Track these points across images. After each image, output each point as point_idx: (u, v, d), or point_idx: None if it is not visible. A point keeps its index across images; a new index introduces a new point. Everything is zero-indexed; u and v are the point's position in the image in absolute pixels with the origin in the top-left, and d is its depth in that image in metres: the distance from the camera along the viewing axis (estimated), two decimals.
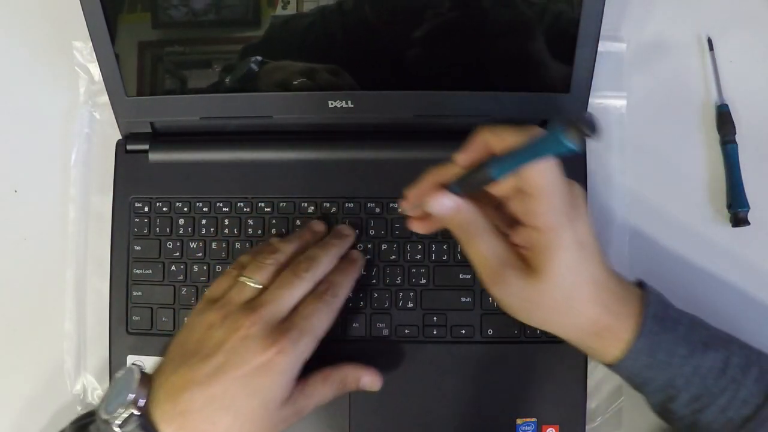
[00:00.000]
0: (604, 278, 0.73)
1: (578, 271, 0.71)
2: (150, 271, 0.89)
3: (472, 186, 0.72)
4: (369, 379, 0.82)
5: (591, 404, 0.88)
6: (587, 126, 0.56)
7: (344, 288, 0.81)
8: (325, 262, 0.81)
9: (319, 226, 0.87)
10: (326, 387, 0.79)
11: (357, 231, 0.88)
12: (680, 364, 0.72)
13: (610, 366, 0.75)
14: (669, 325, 0.73)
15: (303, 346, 0.75)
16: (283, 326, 0.75)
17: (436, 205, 0.73)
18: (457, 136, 0.85)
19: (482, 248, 0.73)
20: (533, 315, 0.74)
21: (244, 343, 0.73)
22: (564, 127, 0.57)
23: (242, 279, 0.79)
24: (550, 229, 0.69)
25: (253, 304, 0.76)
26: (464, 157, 0.72)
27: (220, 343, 0.74)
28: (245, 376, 0.72)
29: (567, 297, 0.71)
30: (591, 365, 0.84)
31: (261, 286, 0.78)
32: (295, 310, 0.77)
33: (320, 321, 0.78)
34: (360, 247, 0.88)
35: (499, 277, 0.72)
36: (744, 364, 0.73)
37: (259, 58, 0.86)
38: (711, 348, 0.73)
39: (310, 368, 0.78)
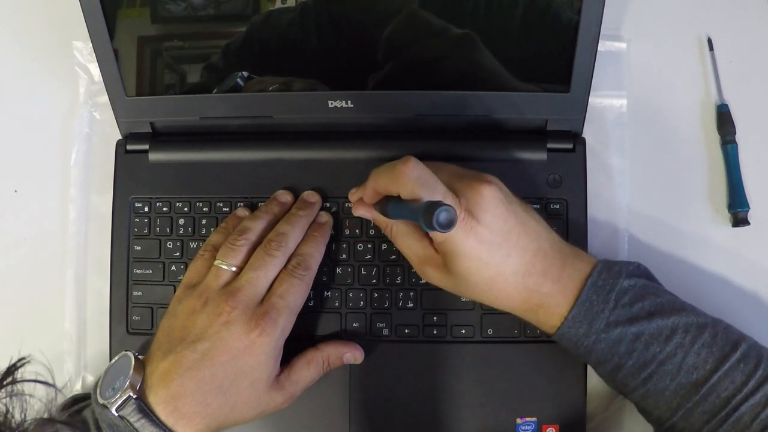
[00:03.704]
0: (527, 266, 0.76)
1: (487, 268, 0.76)
2: (150, 271, 0.89)
3: (383, 213, 0.81)
4: (351, 355, 0.86)
5: (591, 404, 0.87)
6: (438, 223, 0.65)
7: (315, 258, 0.84)
8: (295, 235, 0.84)
9: (285, 197, 0.89)
10: (311, 370, 0.83)
11: (321, 197, 0.89)
12: (620, 332, 0.74)
13: (552, 336, 0.78)
14: (611, 295, 0.75)
15: (283, 324, 0.79)
16: (262, 308, 0.79)
17: (355, 212, 0.86)
18: (457, 135, 0.86)
19: (402, 248, 0.83)
20: (464, 296, 0.84)
21: (227, 327, 0.77)
22: (422, 213, 0.65)
23: (217, 263, 0.82)
24: (444, 242, 0.76)
25: (230, 288, 0.79)
26: (367, 197, 0.83)
27: (203, 329, 0.77)
28: (231, 359, 0.76)
29: (485, 288, 0.77)
30: None
31: (235, 269, 0.81)
32: (271, 288, 0.81)
33: (296, 296, 0.81)
34: (332, 208, 0.89)
35: (420, 270, 0.82)
36: (694, 330, 0.74)
37: (245, 73, 0.86)
38: (657, 316, 0.75)
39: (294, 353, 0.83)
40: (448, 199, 0.73)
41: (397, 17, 0.81)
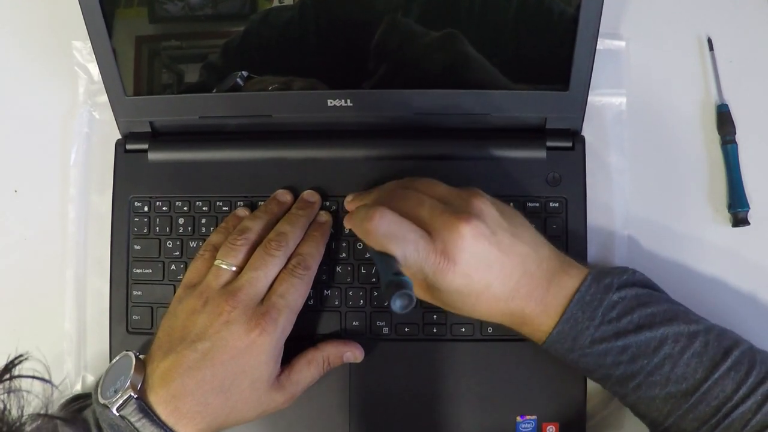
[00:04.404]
0: (511, 291, 0.76)
1: (468, 297, 0.76)
2: (150, 271, 0.89)
3: None
4: (351, 354, 0.86)
5: (591, 402, 0.87)
6: (394, 308, 0.67)
7: (315, 258, 0.84)
8: (295, 235, 0.84)
9: (285, 197, 0.89)
10: (311, 369, 0.83)
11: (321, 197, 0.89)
12: (605, 347, 0.75)
13: (540, 346, 0.78)
14: (598, 311, 0.75)
15: (283, 324, 0.79)
16: (263, 307, 0.79)
17: (345, 224, 0.86)
18: (456, 134, 0.86)
19: None
20: (452, 309, 0.80)
21: (227, 327, 0.77)
22: (384, 287, 0.68)
23: (217, 263, 0.82)
24: (424, 281, 0.77)
25: (230, 288, 0.79)
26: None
27: (204, 328, 0.77)
28: (232, 359, 0.76)
29: (469, 310, 0.78)
30: None
31: (235, 269, 0.81)
32: (271, 287, 0.81)
33: (296, 296, 0.81)
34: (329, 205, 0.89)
35: None
36: (684, 340, 0.74)
37: (245, 73, 0.86)
38: (646, 328, 0.75)
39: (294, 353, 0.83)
40: (420, 245, 0.73)
41: (382, 20, 0.82)
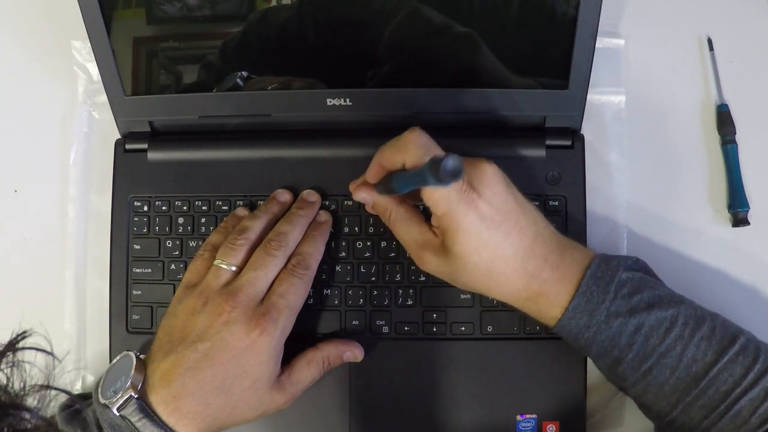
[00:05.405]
0: (527, 249, 0.76)
1: (486, 247, 0.75)
2: (149, 270, 0.90)
3: (387, 191, 0.80)
4: (351, 354, 0.86)
5: (591, 400, 0.87)
6: (446, 171, 0.63)
7: (315, 257, 0.84)
8: (295, 235, 0.84)
9: (284, 196, 0.89)
10: (312, 369, 0.83)
11: (321, 197, 0.89)
12: (621, 323, 0.74)
13: (552, 328, 0.78)
14: (611, 286, 0.75)
15: (283, 323, 0.79)
16: (263, 307, 0.79)
17: (356, 196, 0.84)
18: (455, 132, 0.86)
19: (400, 233, 0.82)
20: (461, 284, 0.79)
21: (228, 327, 0.77)
22: (429, 166, 0.64)
23: (216, 263, 0.82)
24: (446, 215, 0.74)
25: (230, 288, 0.79)
26: (371, 175, 0.82)
27: (204, 329, 0.77)
28: (232, 359, 0.76)
29: (484, 271, 0.76)
30: (591, 361, 0.83)
31: (235, 269, 0.81)
32: (271, 287, 0.81)
33: (296, 296, 0.81)
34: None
35: (418, 257, 0.80)
36: (693, 323, 0.74)
37: (244, 73, 0.86)
38: (656, 307, 0.75)
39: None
40: None
41: (398, 15, 0.82)
